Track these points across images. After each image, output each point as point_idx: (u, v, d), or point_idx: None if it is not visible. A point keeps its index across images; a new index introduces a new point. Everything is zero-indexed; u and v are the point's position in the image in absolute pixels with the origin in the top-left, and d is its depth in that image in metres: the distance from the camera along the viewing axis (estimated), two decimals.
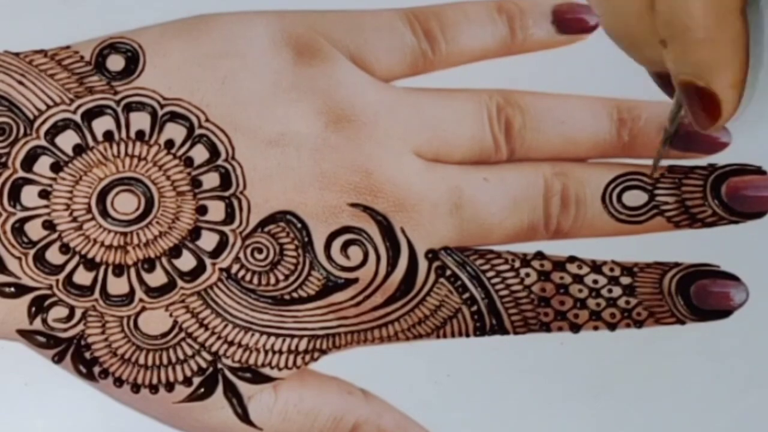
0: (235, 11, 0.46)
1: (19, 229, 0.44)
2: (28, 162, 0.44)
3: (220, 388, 0.43)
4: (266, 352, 0.44)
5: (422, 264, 0.45)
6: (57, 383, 0.43)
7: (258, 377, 0.43)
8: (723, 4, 0.38)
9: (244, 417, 0.43)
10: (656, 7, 0.39)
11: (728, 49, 0.39)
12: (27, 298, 0.43)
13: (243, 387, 0.43)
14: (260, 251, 0.44)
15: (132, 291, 0.44)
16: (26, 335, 0.43)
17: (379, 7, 0.47)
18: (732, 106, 0.41)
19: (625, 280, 0.45)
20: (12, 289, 0.43)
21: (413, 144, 0.46)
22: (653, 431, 0.44)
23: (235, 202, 0.44)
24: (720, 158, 0.47)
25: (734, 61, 0.40)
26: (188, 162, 0.45)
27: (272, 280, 0.44)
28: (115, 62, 0.46)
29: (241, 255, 0.44)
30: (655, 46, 0.40)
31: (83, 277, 0.44)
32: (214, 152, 0.45)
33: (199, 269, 0.44)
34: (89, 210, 0.44)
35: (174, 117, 0.45)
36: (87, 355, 0.43)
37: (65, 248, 0.44)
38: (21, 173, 0.44)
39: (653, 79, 0.44)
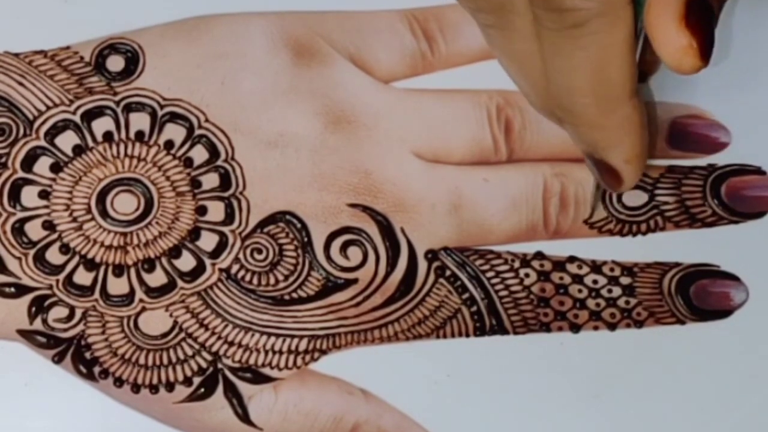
0: (235, 12, 0.47)
1: (19, 230, 0.44)
2: (28, 162, 0.44)
3: (220, 388, 0.43)
4: (266, 353, 0.44)
5: (422, 264, 0.45)
6: (57, 383, 0.43)
7: (258, 377, 0.43)
8: (609, 93, 0.38)
9: (244, 417, 0.43)
10: (549, 92, 0.39)
11: (617, 132, 0.40)
12: (27, 298, 0.43)
13: (243, 387, 0.43)
14: (260, 251, 0.44)
15: (132, 291, 0.44)
16: (26, 335, 0.43)
17: (379, 8, 0.47)
18: (631, 177, 0.42)
19: (625, 280, 0.45)
20: (12, 289, 0.43)
21: (413, 144, 0.46)
22: (653, 431, 0.44)
23: (235, 203, 0.44)
24: (720, 158, 0.47)
25: (625, 143, 0.40)
26: (188, 162, 0.45)
27: (272, 281, 0.44)
28: (115, 63, 0.46)
29: (241, 255, 0.44)
30: (555, 120, 0.41)
31: (83, 277, 0.44)
32: (213, 153, 0.45)
33: (199, 269, 0.44)
34: (89, 210, 0.44)
35: (174, 117, 0.45)
36: (87, 355, 0.43)
37: (65, 248, 0.44)
38: (21, 173, 0.44)
39: None
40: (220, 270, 0.44)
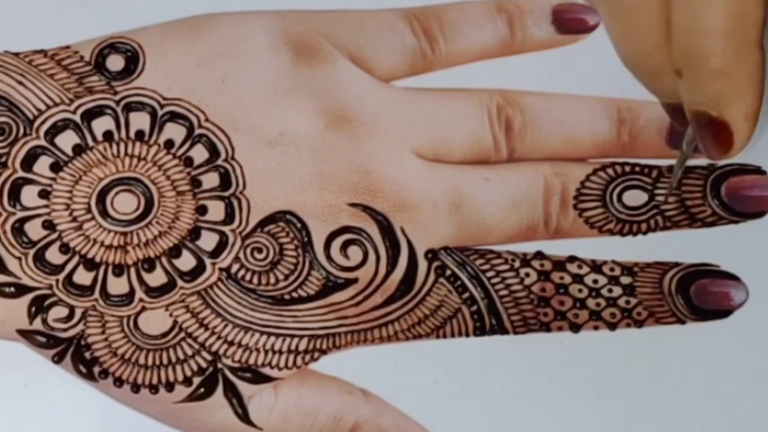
0: (235, 11, 0.46)
1: (19, 229, 0.44)
2: (28, 162, 0.44)
3: (220, 388, 0.43)
4: (266, 352, 0.44)
5: (422, 264, 0.45)
6: (57, 383, 0.43)
7: (258, 377, 0.43)
8: (742, 35, 0.38)
9: (244, 417, 0.43)
10: (673, 37, 0.38)
11: (744, 81, 0.39)
12: (27, 298, 0.43)
13: (243, 387, 0.43)
14: (260, 251, 0.44)
15: (132, 291, 0.44)
16: (26, 335, 0.43)
17: (379, 7, 0.47)
18: (744, 138, 0.40)
19: (625, 280, 0.45)
20: (12, 289, 0.43)
21: (413, 144, 0.46)
22: (653, 431, 0.44)
23: (235, 202, 0.44)
24: None
25: (749, 93, 0.39)
26: (188, 162, 0.45)
27: (272, 280, 0.44)
28: (115, 62, 0.46)
29: (241, 255, 0.44)
30: (671, 76, 0.40)
31: (83, 276, 0.44)
32: (213, 152, 0.45)
33: (199, 269, 0.44)
34: (89, 210, 0.44)
35: (174, 117, 0.45)
36: (87, 355, 0.43)
37: (65, 248, 0.44)
38: (21, 173, 0.44)
39: (665, 110, 0.43)
40: (221, 269, 0.44)
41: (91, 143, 0.45)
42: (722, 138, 0.40)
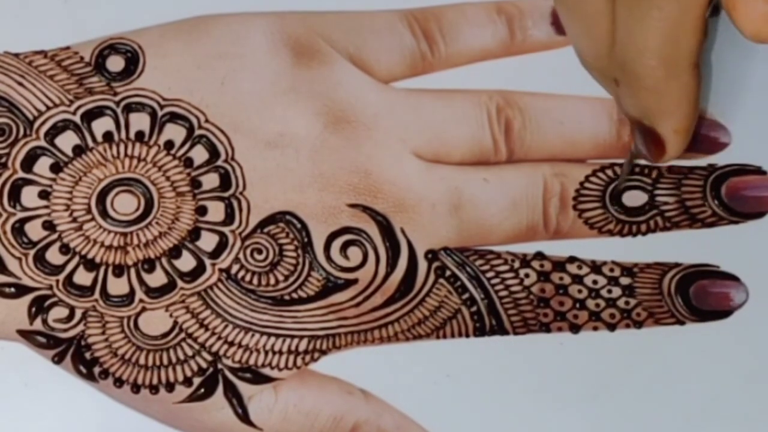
0: (235, 12, 0.47)
1: (19, 230, 0.44)
2: (28, 162, 0.44)
3: (220, 389, 0.43)
4: (266, 353, 0.44)
5: (422, 264, 0.45)
6: (57, 384, 0.43)
7: (258, 377, 0.43)
8: (675, 58, 0.38)
9: (244, 417, 0.43)
10: (614, 48, 0.39)
11: (675, 100, 0.40)
12: (27, 299, 0.43)
13: (243, 387, 0.43)
14: (260, 252, 0.44)
15: (132, 291, 0.44)
16: (26, 335, 0.43)
17: (379, 8, 0.47)
18: (676, 148, 0.41)
19: (625, 281, 0.45)
20: (12, 290, 0.43)
21: (413, 145, 0.46)
22: (653, 431, 0.44)
23: (235, 203, 0.45)
24: (720, 158, 0.47)
25: (679, 111, 0.40)
26: (188, 163, 0.45)
27: (272, 281, 0.44)
28: (115, 63, 0.46)
29: (241, 255, 0.44)
30: (611, 83, 0.41)
31: (83, 277, 0.44)
32: (213, 153, 0.45)
33: (199, 270, 0.44)
34: (89, 210, 0.44)
35: (174, 118, 0.45)
36: (87, 355, 0.43)
37: (65, 248, 0.44)
38: (21, 174, 0.44)
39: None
40: (220, 270, 0.44)
41: (91, 144, 0.45)
42: (655, 145, 0.41)
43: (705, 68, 0.46)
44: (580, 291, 0.45)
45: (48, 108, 0.45)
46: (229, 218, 0.44)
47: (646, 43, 0.38)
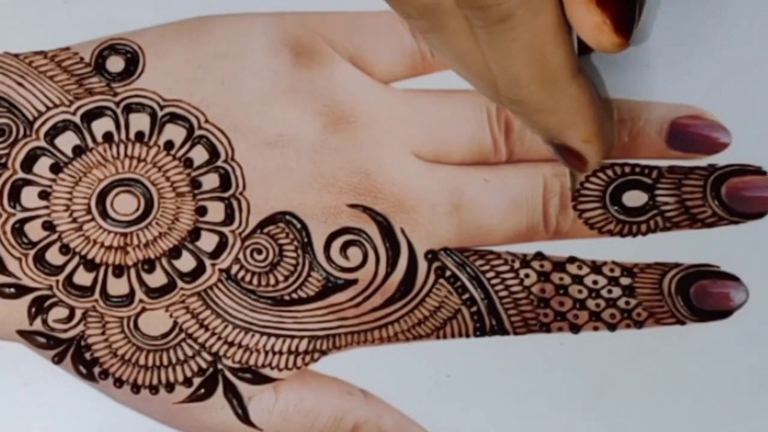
0: (235, 12, 0.47)
1: (19, 230, 0.44)
2: (28, 163, 0.44)
3: (220, 389, 0.43)
4: (266, 353, 0.44)
5: (422, 265, 0.45)
6: (57, 384, 0.43)
7: (258, 378, 0.44)
8: (552, 76, 0.38)
9: (244, 417, 0.43)
10: (497, 85, 0.39)
11: (569, 113, 0.40)
12: (27, 299, 0.43)
13: (243, 387, 0.43)
14: (260, 252, 0.44)
15: (132, 291, 0.44)
16: (26, 336, 0.43)
17: (379, 8, 0.47)
18: (595, 156, 0.41)
19: (625, 281, 0.45)
20: (12, 290, 0.43)
21: (413, 145, 0.46)
22: (653, 431, 0.44)
23: (235, 203, 0.45)
24: (720, 158, 0.47)
25: (578, 121, 0.40)
26: (188, 163, 0.45)
27: (272, 281, 0.44)
28: (115, 63, 0.46)
29: (241, 256, 0.44)
30: (511, 111, 0.41)
31: (83, 277, 0.44)
32: (213, 153, 0.45)
33: (199, 270, 0.44)
34: (89, 211, 0.44)
35: (173, 118, 0.45)
36: (87, 355, 0.43)
37: (65, 249, 0.44)
38: (21, 174, 0.44)
39: None
40: (220, 270, 0.44)
41: (91, 144, 0.45)
42: (574, 158, 0.41)
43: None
44: (580, 291, 0.45)
45: (48, 108, 0.45)
46: (229, 218, 0.44)
47: (518, 72, 0.38)
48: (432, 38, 0.40)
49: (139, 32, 0.46)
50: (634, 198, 0.46)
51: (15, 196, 0.44)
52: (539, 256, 0.45)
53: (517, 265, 0.45)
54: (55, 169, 0.44)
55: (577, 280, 0.45)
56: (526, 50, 0.37)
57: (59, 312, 0.43)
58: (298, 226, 0.45)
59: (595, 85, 0.41)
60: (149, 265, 0.44)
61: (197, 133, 0.45)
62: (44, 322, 0.43)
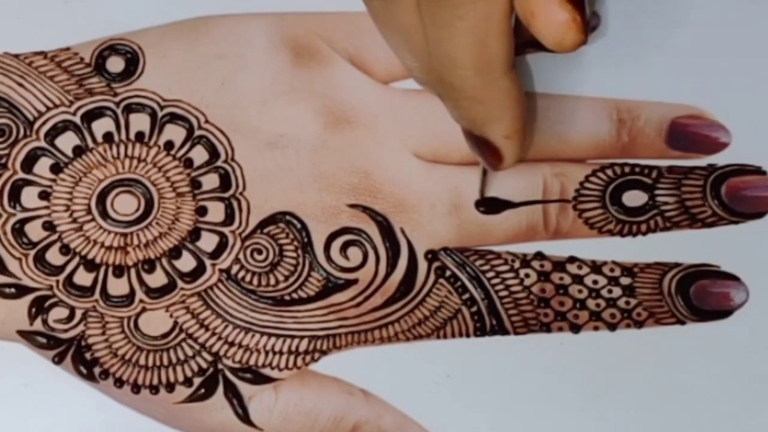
0: (235, 13, 0.47)
1: (19, 230, 0.44)
2: (28, 163, 0.44)
3: (220, 389, 0.43)
4: (266, 353, 0.44)
5: (422, 265, 0.45)
6: (57, 384, 0.43)
7: (258, 378, 0.44)
8: (488, 64, 0.38)
9: (244, 417, 0.43)
10: (431, 65, 0.39)
11: (497, 106, 0.39)
12: (27, 299, 0.43)
13: (243, 387, 0.43)
14: (260, 252, 0.44)
15: (132, 292, 0.44)
16: (26, 336, 0.43)
17: None
18: (512, 153, 0.41)
19: (625, 281, 0.45)
20: (12, 290, 0.43)
21: (412, 145, 0.46)
22: (653, 431, 0.44)
23: (235, 203, 0.45)
24: (720, 158, 0.47)
25: (504, 116, 0.40)
26: (188, 163, 0.45)
27: (272, 281, 0.44)
28: (115, 64, 0.46)
29: (241, 256, 0.44)
30: (437, 95, 0.41)
31: (83, 277, 0.44)
32: (213, 153, 0.45)
33: (199, 270, 0.44)
34: (89, 211, 0.44)
35: (174, 118, 0.45)
36: (87, 355, 0.43)
37: (65, 249, 0.44)
38: (21, 174, 0.44)
39: None
40: (221, 270, 0.44)
41: (91, 145, 0.45)
42: (491, 153, 0.41)
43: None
44: (580, 291, 0.45)
45: (48, 109, 0.45)
46: (229, 219, 0.44)
47: (456, 54, 0.37)
48: (377, 7, 0.39)
49: (139, 32, 0.46)
50: (634, 198, 0.46)
51: (15, 197, 0.44)
52: (539, 256, 0.45)
53: (517, 265, 0.45)
54: (56, 169, 0.44)
55: (578, 280, 0.45)
56: (469, 31, 0.37)
57: (59, 312, 0.43)
58: (298, 226, 0.45)
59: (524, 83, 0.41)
60: (149, 265, 0.44)
61: (197, 133, 0.45)
62: (44, 322, 0.43)
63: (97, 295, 0.44)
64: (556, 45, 0.36)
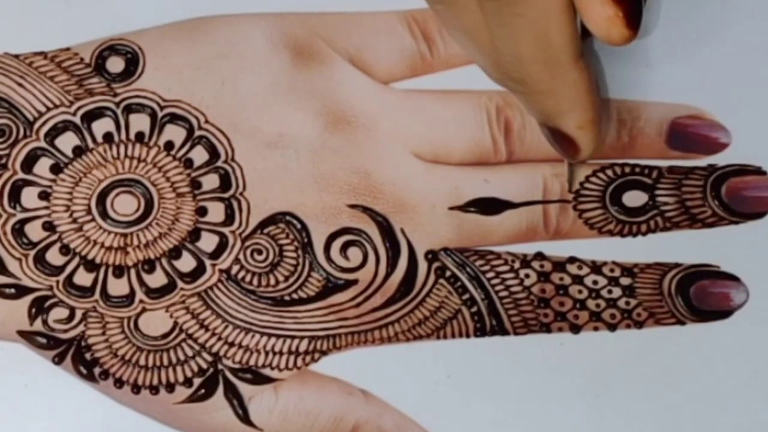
0: (235, 13, 0.47)
1: (19, 230, 0.44)
2: (28, 163, 0.44)
3: (220, 389, 0.43)
4: (266, 353, 0.44)
5: (422, 265, 0.45)
6: (57, 384, 0.43)
7: (258, 378, 0.44)
8: (554, 59, 0.38)
9: (244, 418, 0.43)
10: (499, 63, 0.39)
11: (568, 98, 0.40)
12: (27, 299, 0.43)
13: (243, 388, 0.43)
14: (260, 252, 0.44)
15: (132, 292, 0.44)
16: (27, 336, 0.43)
17: (379, 9, 0.47)
18: (588, 143, 0.41)
19: (625, 281, 0.45)
20: (12, 290, 0.43)
21: (412, 145, 0.46)
22: (653, 431, 0.44)
23: (235, 204, 0.45)
24: (720, 158, 0.47)
25: (576, 107, 0.40)
26: (188, 163, 0.45)
27: (272, 281, 0.44)
28: (115, 64, 0.46)
29: (241, 256, 0.44)
30: (511, 91, 0.41)
31: (83, 278, 0.44)
32: (213, 154, 0.45)
33: (199, 270, 0.44)
34: (89, 211, 0.44)
35: (174, 118, 0.45)
36: (87, 356, 0.43)
37: (65, 249, 0.44)
38: (21, 174, 0.44)
39: None
40: (221, 271, 0.44)
41: (91, 145, 0.45)
42: (567, 143, 0.42)
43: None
44: (580, 291, 0.45)
45: (48, 109, 0.45)
46: (229, 219, 0.44)
47: (519, 50, 0.38)
48: (441, 11, 0.39)
49: (139, 33, 0.46)
50: (634, 198, 0.46)
51: (15, 197, 0.44)
52: (539, 256, 0.45)
53: (517, 265, 0.45)
54: (56, 169, 0.44)
55: (578, 280, 0.45)
56: (530, 27, 0.37)
57: (59, 312, 0.43)
58: (298, 226, 0.45)
59: (597, 76, 0.41)
60: (149, 265, 0.44)
61: (197, 133, 0.45)
62: (44, 322, 0.43)
63: (97, 296, 0.44)
64: (605, 39, 0.37)
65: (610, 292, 0.45)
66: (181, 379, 0.43)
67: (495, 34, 0.38)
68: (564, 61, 0.38)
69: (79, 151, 0.45)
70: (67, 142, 0.45)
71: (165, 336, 0.44)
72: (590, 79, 0.40)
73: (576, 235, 0.46)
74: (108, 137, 0.45)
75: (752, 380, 0.44)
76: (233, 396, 0.43)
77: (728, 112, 0.47)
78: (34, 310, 0.43)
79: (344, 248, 0.45)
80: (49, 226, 0.44)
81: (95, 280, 0.44)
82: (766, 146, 0.47)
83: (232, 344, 0.44)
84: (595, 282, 0.45)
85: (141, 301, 0.44)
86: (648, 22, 0.47)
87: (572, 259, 0.45)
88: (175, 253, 0.44)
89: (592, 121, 0.41)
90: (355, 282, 0.44)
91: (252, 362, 0.44)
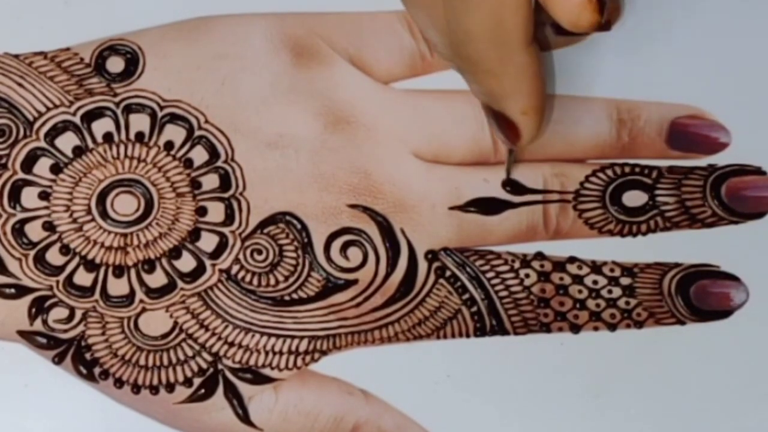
0: (235, 13, 0.47)
1: (19, 230, 0.44)
2: (28, 163, 0.44)
3: (220, 389, 0.43)
4: (266, 353, 0.44)
5: (422, 265, 0.45)
6: (57, 384, 0.43)
7: (258, 378, 0.44)
8: (505, 38, 0.38)
9: (244, 418, 0.43)
10: (451, 39, 0.39)
11: (514, 81, 0.40)
12: (27, 299, 0.43)
13: (243, 388, 0.43)
14: (260, 252, 0.44)
15: (132, 292, 0.44)
16: (26, 336, 0.43)
17: (379, 9, 0.47)
18: (530, 131, 0.41)
19: (625, 281, 0.45)
20: (12, 290, 0.43)
21: (412, 145, 0.46)
22: (653, 431, 0.44)
23: (235, 204, 0.45)
24: (720, 158, 0.47)
25: (521, 91, 0.40)
26: (188, 163, 0.45)
27: (272, 281, 0.44)
28: (115, 64, 0.46)
29: (241, 256, 0.44)
30: (458, 70, 0.41)
31: (83, 278, 0.44)
32: (213, 154, 0.45)
33: (199, 270, 0.44)
34: (89, 211, 0.44)
35: (173, 118, 0.45)
36: (87, 356, 0.43)
37: (65, 249, 0.44)
38: (21, 174, 0.44)
39: None
40: (221, 271, 0.44)
41: (91, 145, 0.45)
42: (509, 129, 0.41)
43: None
44: (580, 291, 0.45)
45: (48, 109, 0.45)
46: (229, 219, 0.44)
47: (472, 27, 0.38)
48: None
49: (139, 33, 0.46)
50: (634, 198, 0.46)
51: (15, 197, 0.44)
52: (539, 256, 0.45)
53: (517, 265, 0.45)
54: (56, 169, 0.44)
55: (577, 280, 0.45)
56: (484, 5, 0.37)
57: (59, 312, 0.43)
58: (298, 226, 0.45)
59: (546, 68, 0.41)
60: (149, 265, 0.44)
61: (197, 133, 0.45)
62: (44, 322, 0.43)
63: (97, 296, 0.44)
64: (572, 25, 0.37)
65: (610, 292, 0.45)
66: (181, 379, 0.43)
67: (450, 8, 0.38)
68: (514, 42, 0.38)
69: (79, 151, 0.45)
70: (67, 142, 0.45)
71: (165, 336, 0.44)
72: (539, 65, 0.40)
73: (576, 235, 0.46)
74: (108, 137, 0.45)
75: (752, 380, 0.44)
76: (233, 396, 0.43)
77: (728, 112, 0.47)
78: (34, 310, 0.43)
79: (344, 248, 0.45)
80: (49, 226, 0.44)
81: (95, 280, 0.44)
82: (766, 146, 0.47)
83: (232, 344, 0.44)
84: (595, 282, 0.45)
85: (141, 301, 0.44)
86: (647, 23, 0.48)
87: (572, 259, 0.45)
88: (175, 253, 0.44)
89: (536, 108, 0.41)
90: (355, 282, 0.44)
91: (252, 362, 0.44)
